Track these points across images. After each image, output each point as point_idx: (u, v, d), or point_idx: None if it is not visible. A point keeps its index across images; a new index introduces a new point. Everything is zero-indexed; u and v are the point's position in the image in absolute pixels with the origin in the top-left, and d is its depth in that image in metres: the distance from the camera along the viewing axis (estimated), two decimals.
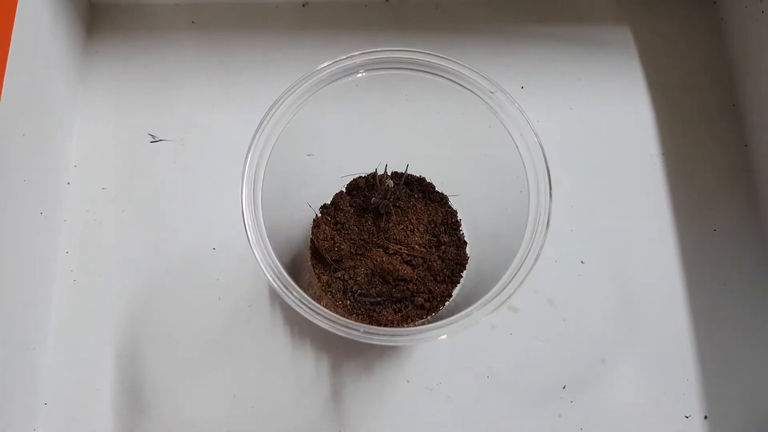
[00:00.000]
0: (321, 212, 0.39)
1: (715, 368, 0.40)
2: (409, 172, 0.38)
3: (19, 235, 0.39)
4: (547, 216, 0.30)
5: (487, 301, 0.30)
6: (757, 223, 0.43)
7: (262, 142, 0.33)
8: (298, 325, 0.41)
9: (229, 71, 0.47)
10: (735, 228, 0.43)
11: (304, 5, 0.51)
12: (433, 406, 0.39)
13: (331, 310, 0.30)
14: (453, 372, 0.40)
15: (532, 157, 0.32)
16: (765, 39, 0.45)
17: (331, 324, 0.29)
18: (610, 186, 0.46)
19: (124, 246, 0.42)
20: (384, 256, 0.36)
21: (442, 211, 0.39)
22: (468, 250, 0.39)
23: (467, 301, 0.38)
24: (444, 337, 0.29)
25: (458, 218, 0.39)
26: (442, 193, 0.40)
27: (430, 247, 0.38)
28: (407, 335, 0.29)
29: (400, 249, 0.37)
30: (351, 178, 0.39)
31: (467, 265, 0.38)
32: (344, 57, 0.34)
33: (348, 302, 0.38)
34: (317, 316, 0.29)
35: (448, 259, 0.38)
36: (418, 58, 0.34)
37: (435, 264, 0.37)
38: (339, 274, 0.38)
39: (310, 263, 0.39)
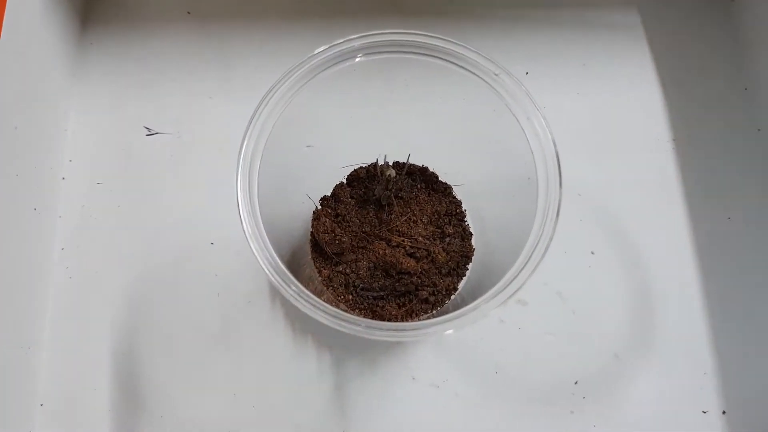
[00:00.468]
0: (321, 204, 0.38)
1: (734, 361, 0.38)
2: (411, 161, 0.37)
3: (13, 232, 0.38)
4: (557, 205, 0.29)
5: (495, 294, 0.28)
6: None
7: (258, 130, 0.31)
8: (299, 321, 0.40)
9: (226, 62, 0.46)
10: (750, 215, 0.41)
11: None
12: (439, 403, 0.37)
13: (332, 305, 0.29)
14: (460, 368, 0.38)
15: (541, 143, 0.30)
16: None
17: (332, 319, 0.27)
18: (619, 174, 0.45)
19: (120, 242, 0.41)
20: (386, 248, 0.35)
21: (446, 202, 0.38)
22: (474, 241, 0.38)
23: (474, 295, 0.37)
24: (450, 331, 0.27)
25: (463, 209, 0.38)
26: (445, 183, 0.38)
27: (434, 239, 0.36)
28: (411, 330, 0.28)
29: (403, 241, 0.36)
30: (351, 169, 0.38)
31: (473, 257, 0.37)
32: (341, 41, 0.32)
33: (350, 297, 0.37)
34: (317, 311, 0.27)
35: (453, 251, 0.36)
36: (418, 40, 0.32)
37: (439, 256, 0.36)
38: (340, 268, 0.37)
39: (310, 257, 0.38)
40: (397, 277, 0.35)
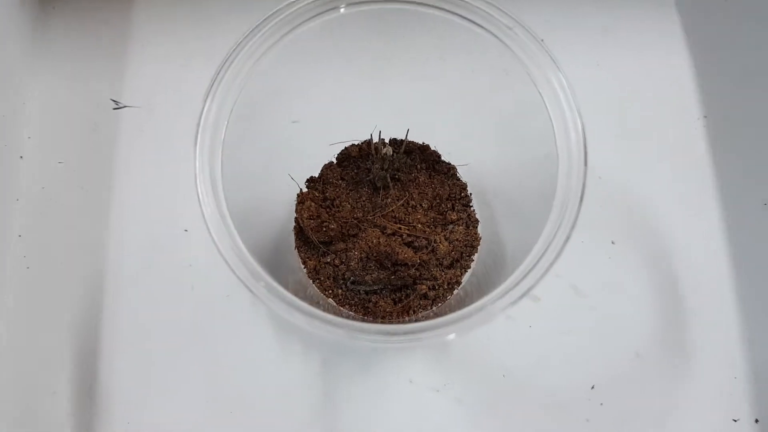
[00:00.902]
0: (307, 186, 0.35)
1: None
2: (410, 138, 0.34)
3: None
4: (581, 187, 0.25)
5: (506, 291, 0.24)
6: None
7: (221, 95, 0.27)
8: (284, 318, 0.36)
9: (203, 23, 0.41)
10: None
11: None
12: (440, 410, 0.34)
13: (315, 306, 0.24)
14: (463, 370, 0.35)
15: (563, 112, 0.25)
16: None
17: (309, 320, 0.23)
18: (644, 154, 0.40)
19: (84, 228, 0.38)
20: (381, 237, 0.32)
21: (448, 184, 0.35)
22: (480, 229, 0.35)
23: (480, 290, 0.33)
24: (452, 336, 0.23)
25: (468, 192, 0.35)
26: (448, 163, 0.35)
27: (435, 226, 0.34)
28: (405, 335, 0.23)
29: (400, 229, 0.33)
30: (342, 147, 0.35)
31: (479, 247, 0.34)
32: None
33: (339, 291, 0.33)
34: (291, 311, 0.23)
35: (457, 240, 0.33)
36: None
37: (441, 246, 0.33)
38: (328, 259, 0.33)
39: (294, 246, 0.34)
40: (392, 269, 0.32)
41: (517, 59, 0.27)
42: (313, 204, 0.33)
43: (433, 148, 0.35)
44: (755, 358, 0.36)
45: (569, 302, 0.37)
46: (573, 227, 0.25)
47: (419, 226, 0.33)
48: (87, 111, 0.40)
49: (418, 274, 0.32)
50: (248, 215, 0.32)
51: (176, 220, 0.39)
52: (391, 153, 0.33)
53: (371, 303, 0.33)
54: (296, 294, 0.25)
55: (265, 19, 0.28)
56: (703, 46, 0.43)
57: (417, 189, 0.34)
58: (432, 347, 0.37)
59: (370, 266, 0.32)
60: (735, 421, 0.35)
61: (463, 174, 0.35)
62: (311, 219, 0.32)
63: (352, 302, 0.33)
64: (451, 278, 0.33)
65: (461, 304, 0.31)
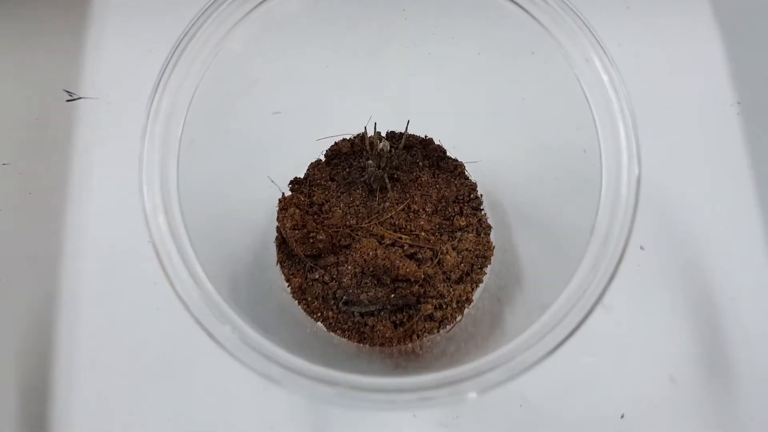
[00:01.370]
0: (291, 189, 0.32)
1: None
2: (410, 131, 0.31)
3: None
4: (634, 189, 0.20)
5: (544, 332, 0.19)
6: None
7: (176, 81, 0.22)
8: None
9: (170, 3, 0.38)
10: None
11: None
12: None
13: (301, 352, 0.19)
14: (474, 401, 0.30)
15: (607, 100, 0.21)
16: None
17: (290, 376, 0.18)
18: (672, 146, 0.36)
19: (32, 239, 0.34)
20: (378, 248, 0.29)
21: (456, 184, 0.32)
22: (493, 236, 0.31)
23: (493, 310, 0.31)
24: (473, 395, 0.18)
25: (479, 193, 0.32)
26: (455, 160, 0.32)
27: (441, 234, 0.30)
28: (414, 392, 0.19)
29: (401, 238, 0.29)
30: (331, 142, 0.32)
31: (492, 258, 0.30)
32: None
33: (329, 313, 0.29)
34: (265, 362, 0.18)
35: (466, 249, 0.30)
36: None
37: (448, 257, 0.29)
38: (316, 275, 0.29)
39: (276, 261, 0.29)
40: (392, 286, 0.29)
41: (548, 35, 0.22)
42: (297, 211, 0.28)
43: (437, 143, 0.32)
44: None
45: (594, 318, 0.32)
46: (628, 240, 0.20)
47: (422, 234, 0.30)
48: (36, 104, 0.37)
49: (422, 291, 0.29)
50: (219, 226, 0.28)
51: (140, 230, 0.34)
52: (389, 149, 0.30)
53: (367, 327, 0.28)
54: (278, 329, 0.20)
55: None
56: (735, 27, 0.39)
57: (419, 190, 0.31)
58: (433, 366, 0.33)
59: (366, 283, 0.29)
60: None
61: (472, 172, 0.32)
62: (295, 229, 0.28)
63: (345, 326, 0.28)
64: (460, 295, 0.29)
65: (476, 324, 0.27)
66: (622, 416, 0.32)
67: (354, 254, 0.29)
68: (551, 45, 0.22)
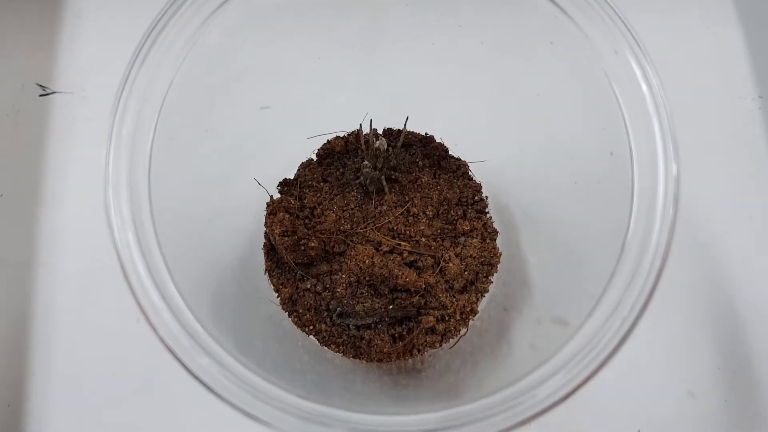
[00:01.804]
0: (280, 191, 0.30)
1: None
2: (409, 128, 0.29)
3: None
4: (674, 197, 0.18)
5: (565, 362, 0.17)
6: None
7: (148, 73, 0.20)
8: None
9: None
10: None
11: None
12: None
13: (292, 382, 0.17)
14: None
15: (640, 97, 0.18)
16: None
17: (282, 417, 0.16)
18: (690, 143, 0.34)
19: (2, 243, 0.32)
20: (375, 255, 0.27)
21: (459, 186, 0.30)
22: (500, 242, 0.29)
23: (500, 320, 0.29)
24: None
25: (483, 195, 0.30)
26: (458, 159, 0.30)
27: (443, 240, 0.29)
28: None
29: (399, 245, 0.27)
30: (324, 140, 0.30)
31: (498, 266, 0.28)
32: None
33: (322, 326, 0.27)
34: (253, 403, 0.16)
35: (470, 256, 0.28)
36: None
37: (451, 265, 0.28)
38: (308, 285, 0.28)
39: (264, 269, 0.27)
40: (390, 296, 0.27)
41: (571, 22, 0.20)
42: (287, 215, 0.26)
43: (438, 141, 0.30)
44: None
45: (603, 325, 0.31)
46: (666, 254, 0.18)
47: (423, 240, 0.28)
48: (7, 99, 0.35)
49: (422, 302, 0.27)
50: (202, 232, 0.26)
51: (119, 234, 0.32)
52: (386, 147, 0.28)
53: (364, 341, 0.27)
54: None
55: None
56: (756, 19, 0.37)
57: (419, 192, 0.30)
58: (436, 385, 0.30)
59: (362, 293, 0.27)
60: None
61: (476, 172, 0.30)
62: (285, 235, 0.26)
63: (339, 340, 0.27)
64: (464, 306, 0.27)
65: (481, 336, 0.25)
66: None
67: (349, 262, 0.27)
68: (574, 34, 0.20)
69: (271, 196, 0.27)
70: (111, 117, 0.20)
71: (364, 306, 0.26)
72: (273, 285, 0.27)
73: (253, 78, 0.30)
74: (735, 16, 0.37)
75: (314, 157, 0.30)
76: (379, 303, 0.26)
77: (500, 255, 0.28)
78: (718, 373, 0.31)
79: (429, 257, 0.27)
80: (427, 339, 0.26)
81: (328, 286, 0.27)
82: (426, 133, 0.30)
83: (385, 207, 0.28)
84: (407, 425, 0.16)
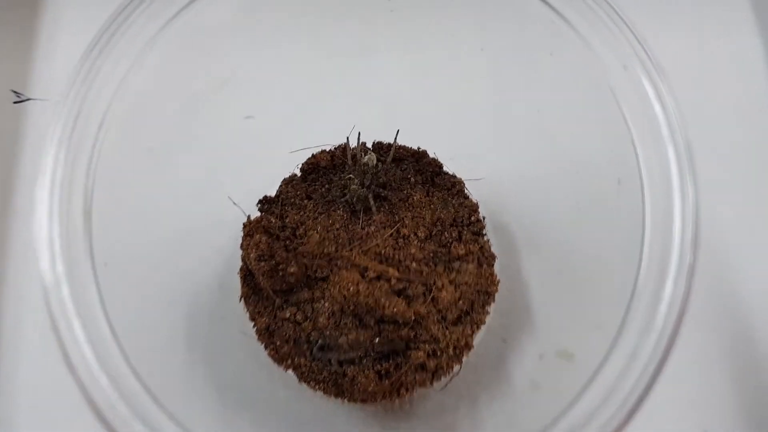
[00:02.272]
0: (260, 209, 0.28)
1: None
2: (400, 141, 0.28)
3: None
4: (692, 238, 0.15)
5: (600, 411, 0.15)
6: None
7: (102, 73, 0.19)
8: None
9: None
10: None
11: None
12: None
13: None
14: None
15: (651, 115, 0.16)
16: None
17: None
18: (707, 167, 0.31)
19: None
20: (361, 282, 0.25)
21: (453, 205, 0.28)
22: (498, 266, 0.27)
23: (498, 354, 0.27)
24: None
25: (480, 216, 0.28)
26: (453, 176, 0.29)
27: (436, 265, 0.27)
28: None
29: (387, 270, 0.25)
30: (308, 153, 0.29)
31: (496, 295, 0.27)
32: None
33: (301, 360, 0.25)
34: None
35: (465, 283, 0.26)
36: None
37: (444, 293, 0.26)
38: (287, 314, 0.25)
39: (240, 296, 0.27)
40: (376, 328, 0.25)
41: (573, 32, 0.18)
42: (264, 238, 0.25)
43: (432, 156, 0.29)
44: None
45: (612, 359, 0.29)
46: (687, 297, 0.16)
47: (413, 265, 0.26)
48: None
49: (412, 334, 0.25)
50: (173, 251, 0.24)
51: (97, 251, 0.30)
52: (375, 162, 0.27)
53: (347, 378, 0.25)
54: None
55: None
56: None
57: (410, 212, 0.28)
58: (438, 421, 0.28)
59: (346, 324, 0.25)
60: None
61: (473, 190, 0.28)
62: (262, 260, 0.25)
63: (320, 377, 0.25)
64: (458, 339, 0.25)
65: (479, 374, 0.23)
66: None
67: (332, 289, 0.25)
68: (576, 45, 0.18)
69: (248, 216, 0.25)
70: (67, 120, 0.19)
71: (347, 338, 0.24)
72: (249, 314, 0.25)
73: (236, 86, 0.29)
74: (752, 20, 0.35)
75: (298, 173, 0.29)
76: (364, 335, 0.24)
77: (498, 283, 0.26)
78: (734, 413, 0.28)
79: (420, 284, 0.25)
80: (417, 377, 0.24)
81: (309, 315, 0.25)
82: (418, 148, 0.28)
83: (372, 228, 0.26)
84: None
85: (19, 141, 0.32)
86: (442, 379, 0.25)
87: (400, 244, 0.26)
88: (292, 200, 0.27)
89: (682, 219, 0.16)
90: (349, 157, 0.27)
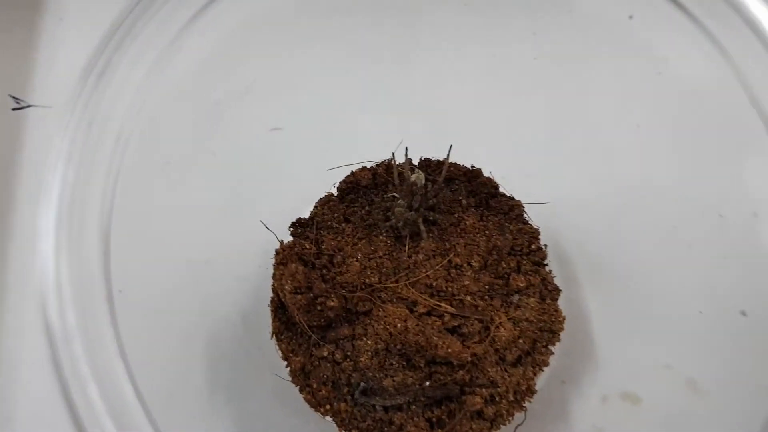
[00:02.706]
0: (293, 233, 0.26)
1: None
2: (452, 158, 0.26)
3: None
4: None
5: None
6: None
7: (113, 87, 0.16)
8: None
9: None
10: None
11: None
12: None
13: None
14: None
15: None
16: None
17: None
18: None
19: None
20: (409, 317, 0.23)
21: (512, 231, 0.26)
22: (562, 303, 0.25)
23: (560, 397, 0.25)
24: None
25: (541, 244, 0.26)
26: (511, 198, 0.27)
27: (493, 299, 0.25)
28: None
29: (439, 304, 0.23)
30: (347, 171, 0.27)
31: (561, 334, 0.24)
32: None
33: (342, 405, 0.23)
34: None
35: (526, 320, 0.24)
36: None
37: (502, 330, 0.24)
38: (325, 352, 0.23)
39: (271, 331, 0.24)
40: (427, 369, 0.23)
41: (698, 27, 0.15)
42: (301, 267, 0.22)
43: (487, 175, 0.27)
44: None
45: (683, 404, 0.27)
46: None
47: (468, 299, 0.24)
48: None
49: (467, 377, 0.23)
50: (193, 280, 0.24)
51: (98, 271, 0.27)
52: (424, 182, 0.25)
53: (393, 426, 0.22)
54: None
55: None
56: None
57: (463, 238, 0.25)
58: None
59: (392, 364, 0.23)
60: None
61: (533, 215, 0.26)
62: (298, 292, 0.22)
63: (363, 425, 0.22)
64: (518, 383, 0.23)
65: (544, 421, 0.21)
66: None
67: (376, 325, 0.23)
68: (688, 44, 0.15)
69: (281, 241, 0.23)
70: (77, 131, 0.16)
71: (393, 381, 0.22)
72: (281, 352, 0.23)
73: (262, 93, 0.26)
74: None
75: (335, 192, 0.27)
76: (412, 378, 0.22)
77: (564, 320, 0.23)
78: None
79: (476, 321, 0.23)
80: (473, 426, 0.22)
81: (349, 354, 0.23)
82: (472, 166, 0.26)
83: (421, 256, 0.24)
84: None
85: (17, 154, 0.30)
86: (501, 428, 0.23)
87: (452, 275, 0.24)
88: (329, 223, 0.25)
89: None
90: (394, 175, 0.24)
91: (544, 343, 0.24)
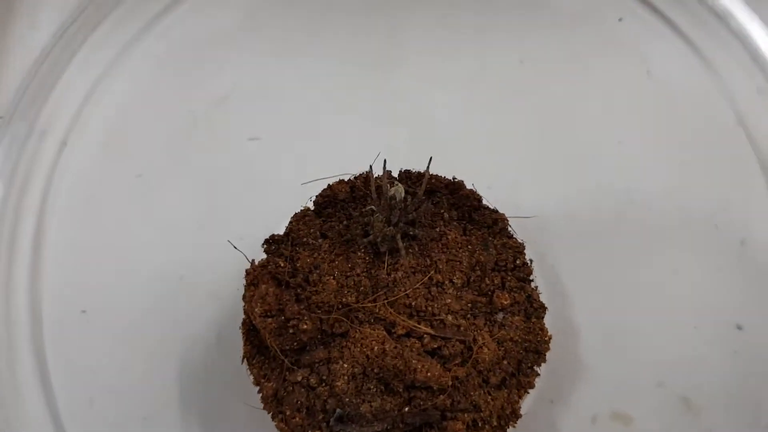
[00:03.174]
0: (266, 251, 0.25)
1: None
2: (433, 170, 0.25)
3: None
4: None
5: None
6: None
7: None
8: None
9: None
10: None
11: None
12: None
13: None
14: None
15: None
16: None
17: None
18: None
19: None
20: (387, 340, 0.22)
21: (495, 246, 0.25)
22: (548, 321, 0.24)
23: (547, 418, 0.24)
24: None
25: (526, 259, 0.25)
26: (495, 211, 0.26)
27: (476, 318, 0.24)
28: None
29: (419, 324, 0.22)
30: (324, 184, 0.26)
31: (547, 354, 0.24)
32: None
33: None
34: None
35: (511, 340, 0.24)
36: None
37: (486, 351, 0.23)
38: (299, 377, 0.22)
39: (242, 355, 0.23)
40: (406, 394, 0.22)
41: (682, 38, 0.14)
42: (271, 290, 0.22)
43: (470, 187, 0.26)
44: None
45: (677, 423, 0.26)
46: None
47: (449, 318, 0.23)
48: None
49: (449, 402, 0.22)
50: (167, 298, 0.23)
51: (71, 296, 0.26)
52: (403, 195, 0.24)
53: None
54: None
55: None
56: None
57: (444, 254, 0.25)
58: None
59: (369, 390, 0.22)
60: None
61: (518, 229, 0.25)
62: (268, 315, 0.21)
63: None
64: (503, 407, 0.23)
65: None
66: None
67: (353, 348, 0.22)
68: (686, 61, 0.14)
69: (252, 261, 0.22)
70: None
71: (371, 406, 0.22)
72: (253, 377, 0.22)
73: (240, 101, 0.26)
74: None
75: (311, 206, 0.26)
76: (391, 403, 0.22)
77: (550, 338, 0.23)
78: None
79: (457, 342, 0.22)
80: None
81: (324, 378, 0.22)
82: (454, 177, 0.26)
83: (400, 273, 0.23)
84: None
85: None
86: None
87: (433, 293, 0.23)
88: (305, 239, 0.24)
89: None
90: (372, 189, 0.23)
91: (529, 364, 0.23)
